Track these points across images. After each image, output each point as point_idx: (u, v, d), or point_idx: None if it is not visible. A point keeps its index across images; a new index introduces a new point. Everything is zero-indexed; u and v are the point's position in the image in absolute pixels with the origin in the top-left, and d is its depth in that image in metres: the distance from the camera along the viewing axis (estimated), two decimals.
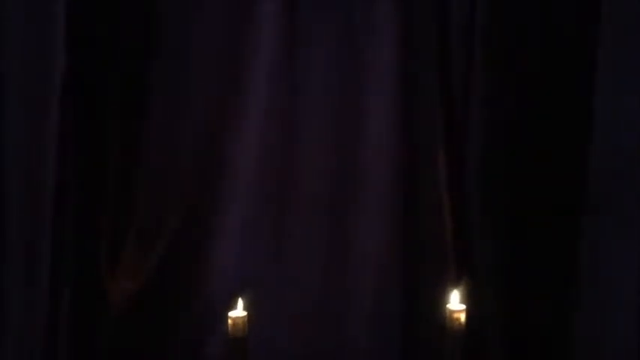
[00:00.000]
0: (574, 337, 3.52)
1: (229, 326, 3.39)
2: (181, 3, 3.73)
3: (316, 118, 3.72)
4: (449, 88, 3.70)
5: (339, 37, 3.71)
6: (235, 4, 3.70)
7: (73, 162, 3.55)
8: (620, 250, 3.49)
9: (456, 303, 3.45)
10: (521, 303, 3.62)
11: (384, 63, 3.67)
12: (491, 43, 3.64)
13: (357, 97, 3.71)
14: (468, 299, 3.46)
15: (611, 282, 3.46)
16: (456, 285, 3.50)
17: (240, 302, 3.43)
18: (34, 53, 3.46)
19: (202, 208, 3.76)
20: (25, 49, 3.45)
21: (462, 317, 3.41)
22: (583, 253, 3.53)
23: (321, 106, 3.72)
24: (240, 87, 3.72)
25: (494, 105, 3.67)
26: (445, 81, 3.69)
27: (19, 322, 3.44)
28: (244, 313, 3.41)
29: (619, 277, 3.45)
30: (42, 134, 3.46)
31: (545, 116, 3.64)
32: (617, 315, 3.44)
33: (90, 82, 3.61)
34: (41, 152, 3.46)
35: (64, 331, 3.50)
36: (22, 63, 3.45)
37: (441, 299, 3.48)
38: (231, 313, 3.41)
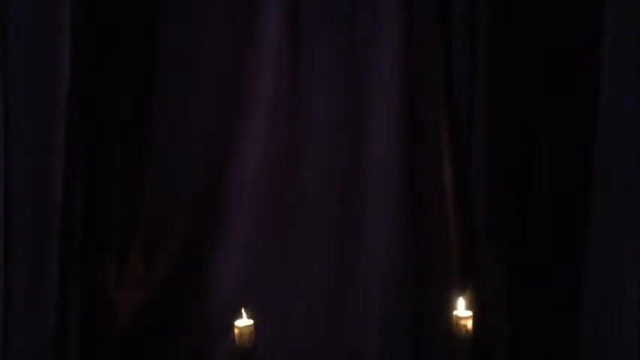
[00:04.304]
0: (579, 341, 3.54)
1: (236, 335, 3.39)
2: (184, 15, 3.72)
3: (319, 121, 3.71)
4: (453, 88, 3.68)
5: (342, 38, 3.69)
6: (238, 11, 3.69)
7: (80, 173, 3.52)
8: (622, 250, 3.48)
9: (462, 309, 3.46)
10: (526, 308, 3.62)
11: (388, 64, 3.64)
12: (494, 42, 3.63)
13: (361, 99, 3.69)
14: (474, 306, 3.48)
15: (615, 284, 3.46)
16: (462, 292, 3.51)
17: (246, 312, 3.41)
18: (40, 67, 3.44)
19: (206, 220, 3.75)
20: (30, 64, 3.43)
21: (469, 323, 3.43)
22: (588, 255, 3.52)
23: (324, 109, 3.70)
24: (242, 95, 3.71)
25: (498, 104, 3.65)
26: (449, 81, 3.67)
27: (27, 329, 3.41)
28: (250, 322, 3.41)
29: (622, 280, 3.45)
30: (49, 145, 3.44)
31: (549, 115, 3.63)
32: (621, 319, 3.44)
33: (95, 95, 3.58)
34: (48, 162, 3.43)
35: (71, 341, 3.47)
36: (27, 77, 3.43)
37: (447, 306, 3.50)
38: (238, 323, 3.41)
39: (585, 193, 3.54)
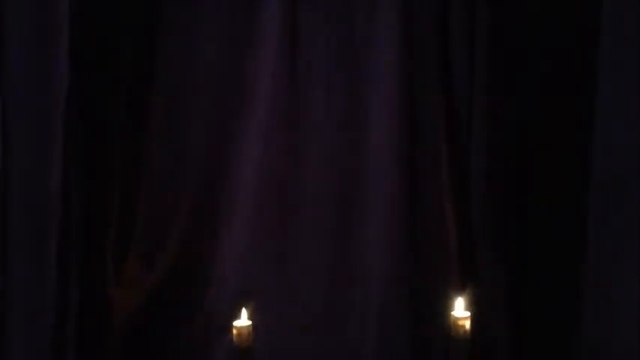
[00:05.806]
0: (579, 341, 3.53)
1: (234, 336, 3.40)
2: (184, 15, 3.72)
3: (319, 121, 3.70)
4: (452, 88, 3.67)
5: (342, 38, 3.69)
6: (238, 11, 3.68)
7: (79, 173, 3.53)
8: (622, 250, 3.47)
9: (460, 310, 3.46)
10: (526, 308, 3.62)
11: (387, 64, 3.64)
12: (494, 42, 3.63)
13: (360, 100, 3.69)
14: (473, 306, 3.47)
15: (615, 284, 3.46)
16: (460, 292, 3.51)
17: (245, 312, 3.41)
18: (39, 67, 3.45)
19: (206, 220, 3.75)
20: (30, 64, 3.44)
21: (467, 324, 3.43)
22: (588, 255, 3.52)
23: (324, 109, 3.70)
24: (242, 95, 3.71)
25: (497, 104, 3.64)
26: (448, 81, 3.67)
27: (27, 329, 3.43)
28: (249, 323, 3.41)
29: (622, 280, 3.45)
30: (49, 145, 3.44)
31: (548, 115, 3.62)
32: (621, 319, 3.44)
33: (95, 95, 3.59)
34: (48, 162, 3.44)
35: (71, 341, 3.48)
36: (27, 77, 3.44)
37: (446, 307, 3.49)
38: (236, 323, 3.41)
39: (585, 193, 3.53)
